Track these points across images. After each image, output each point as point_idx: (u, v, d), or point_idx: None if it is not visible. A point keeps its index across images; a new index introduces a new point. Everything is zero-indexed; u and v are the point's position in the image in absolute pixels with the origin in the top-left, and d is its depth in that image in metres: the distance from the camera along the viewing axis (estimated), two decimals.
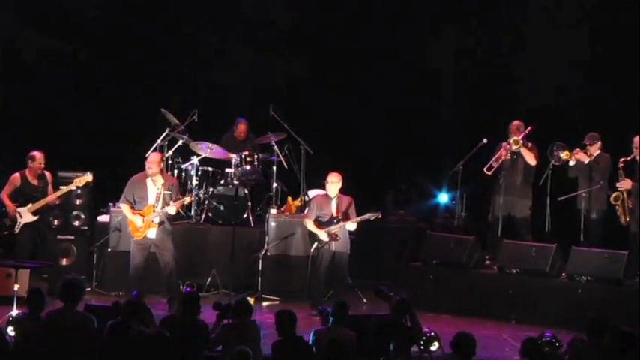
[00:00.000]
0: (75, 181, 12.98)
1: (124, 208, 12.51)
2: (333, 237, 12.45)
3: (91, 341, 9.07)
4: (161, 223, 12.42)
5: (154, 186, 12.42)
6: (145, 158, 12.83)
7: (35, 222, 12.78)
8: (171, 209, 12.39)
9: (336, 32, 15.41)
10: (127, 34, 15.50)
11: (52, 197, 12.87)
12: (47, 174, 12.97)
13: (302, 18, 15.45)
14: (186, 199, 12.87)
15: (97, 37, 15.51)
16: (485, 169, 13.34)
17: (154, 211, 12.31)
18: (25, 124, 15.18)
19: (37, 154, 12.85)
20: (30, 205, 12.71)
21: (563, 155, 13.04)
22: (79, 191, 13.56)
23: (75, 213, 14.16)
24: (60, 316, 9.24)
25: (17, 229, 12.71)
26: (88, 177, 13.01)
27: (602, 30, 14.45)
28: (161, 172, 12.57)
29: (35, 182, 12.86)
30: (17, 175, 12.82)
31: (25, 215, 12.71)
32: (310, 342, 9.31)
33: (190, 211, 14.31)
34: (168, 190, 12.43)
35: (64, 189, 13.01)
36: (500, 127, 13.54)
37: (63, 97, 15.45)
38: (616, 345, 8.96)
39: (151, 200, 12.38)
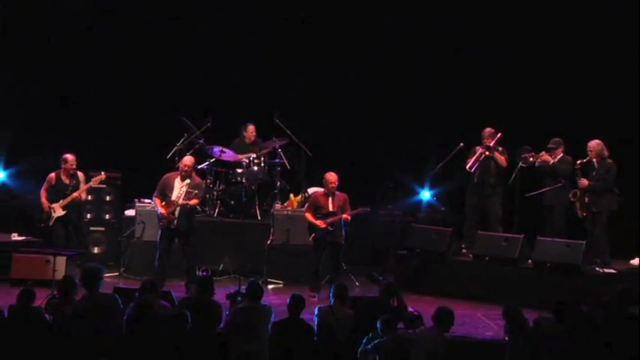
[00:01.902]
0: (92, 180, 12.98)
1: (155, 201, 12.54)
2: (328, 227, 12.49)
3: (116, 318, 9.18)
4: (182, 216, 12.42)
5: (180, 183, 12.42)
6: (170, 160, 12.89)
7: (66, 215, 12.76)
8: (193, 202, 12.40)
9: (330, 41, 15.43)
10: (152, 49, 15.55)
11: (76, 193, 12.84)
12: (80, 174, 12.92)
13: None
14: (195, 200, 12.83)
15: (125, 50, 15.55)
16: (467, 167, 13.42)
17: (174, 205, 12.32)
18: (63, 128, 15.19)
19: (69, 157, 12.84)
20: (60, 201, 12.71)
21: (530, 157, 13.12)
22: (107, 189, 13.56)
23: (105, 207, 14.25)
24: (86, 301, 9.34)
25: (51, 223, 12.72)
26: (102, 176, 13.06)
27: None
28: (192, 173, 12.59)
29: (67, 181, 12.82)
30: (53, 174, 12.81)
31: (57, 210, 12.70)
32: (314, 316, 9.42)
33: (205, 207, 14.37)
34: (192, 189, 12.40)
35: (85, 186, 12.95)
36: (476, 132, 13.63)
37: (95, 106, 15.49)
38: (578, 324, 9.07)
39: (174, 196, 12.37)
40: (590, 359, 8.76)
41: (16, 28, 15.36)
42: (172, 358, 8.51)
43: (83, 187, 12.92)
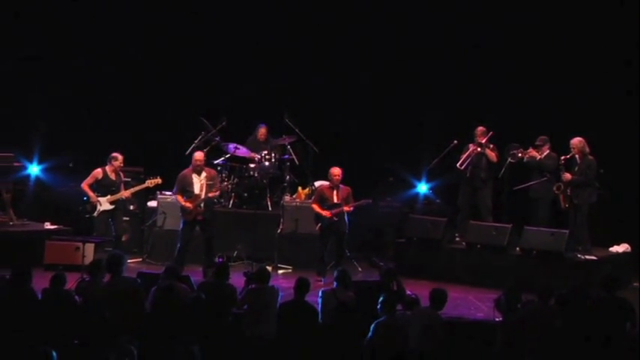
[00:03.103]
0: (148, 182, 12.98)
1: (177, 198, 12.55)
2: (333, 217, 12.51)
3: (138, 299, 9.24)
4: (207, 207, 12.45)
5: (198, 178, 12.46)
6: (189, 156, 12.96)
7: (112, 210, 12.75)
8: (216, 193, 12.51)
9: (334, 47, 15.44)
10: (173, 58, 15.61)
11: (127, 192, 12.85)
12: (121, 173, 12.93)
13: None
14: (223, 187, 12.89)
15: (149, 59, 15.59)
16: (458, 165, 13.42)
17: (200, 198, 12.36)
18: (91, 126, 15.22)
19: (119, 156, 12.77)
20: (109, 196, 12.65)
21: (519, 154, 13.12)
22: (132, 182, 13.58)
23: (130, 199, 14.22)
24: (111, 284, 9.43)
25: (96, 214, 12.71)
26: (159, 180, 13.02)
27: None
28: (204, 167, 12.63)
29: (113, 177, 12.78)
30: (99, 170, 12.72)
31: (104, 204, 12.64)
32: (319, 298, 9.44)
33: (222, 198, 14.39)
34: (210, 181, 12.48)
35: (137, 187, 13.01)
36: (469, 130, 13.65)
37: (121, 106, 15.52)
38: (560, 305, 9.11)
39: (197, 190, 12.42)
40: (571, 336, 8.78)
41: (50, 31, 15.38)
42: (191, 337, 8.54)
43: (137, 187, 12.97)
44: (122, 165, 12.83)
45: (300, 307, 9.18)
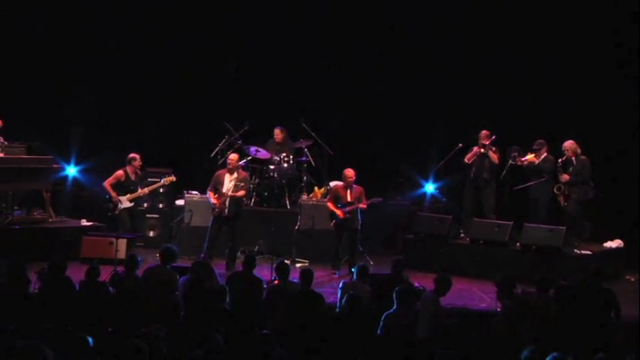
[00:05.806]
0: (163, 180, 13.05)
1: (209, 194, 12.59)
2: (346, 215, 12.49)
3: (173, 290, 9.29)
4: (231, 205, 12.43)
5: (230, 178, 12.46)
6: (213, 158, 12.94)
7: (130, 207, 12.84)
8: (240, 193, 12.46)
9: (348, 56, 15.40)
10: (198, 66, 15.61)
11: (146, 190, 12.96)
12: (138, 171, 13.01)
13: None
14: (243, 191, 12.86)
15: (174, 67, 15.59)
16: (465, 160, 13.39)
17: (224, 196, 12.37)
18: (124, 131, 15.21)
19: (138, 156, 12.88)
20: (128, 195, 12.74)
21: (518, 160, 13.09)
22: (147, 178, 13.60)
23: (159, 198, 14.27)
24: (154, 271, 9.57)
25: (117, 212, 12.77)
26: (173, 178, 13.10)
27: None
28: (238, 167, 12.62)
29: (133, 178, 12.87)
30: (121, 171, 12.81)
31: (124, 202, 12.74)
32: (339, 289, 9.43)
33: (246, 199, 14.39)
34: (240, 182, 12.47)
35: (154, 185, 13.07)
36: (473, 133, 13.62)
37: (152, 112, 15.53)
38: (557, 296, 9.10)
39: (224, 189, 12.43)
40: (566, 322, 8.77)
41: (87, 42, 15.42)
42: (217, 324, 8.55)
43: (153, 185, 13.05)
44: (141, 164, 12.87)
45: (307, 295, 9.15)
